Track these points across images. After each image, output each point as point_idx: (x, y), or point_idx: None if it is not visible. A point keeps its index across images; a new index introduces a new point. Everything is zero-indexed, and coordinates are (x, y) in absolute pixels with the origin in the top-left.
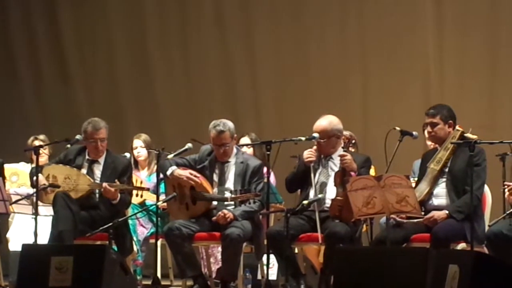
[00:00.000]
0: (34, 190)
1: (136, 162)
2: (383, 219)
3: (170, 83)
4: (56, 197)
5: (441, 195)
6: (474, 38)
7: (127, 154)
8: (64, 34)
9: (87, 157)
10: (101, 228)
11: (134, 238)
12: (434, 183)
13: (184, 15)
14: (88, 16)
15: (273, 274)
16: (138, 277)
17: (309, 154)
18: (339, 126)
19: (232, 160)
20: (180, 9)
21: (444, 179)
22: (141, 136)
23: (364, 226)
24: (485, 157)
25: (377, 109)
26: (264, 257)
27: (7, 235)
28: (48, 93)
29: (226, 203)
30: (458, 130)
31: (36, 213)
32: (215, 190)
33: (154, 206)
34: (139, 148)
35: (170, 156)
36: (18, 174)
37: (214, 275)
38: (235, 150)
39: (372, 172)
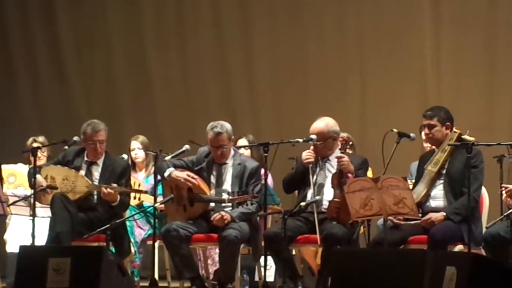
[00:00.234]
0: (32, 191)
1: (134, 164)
2: (381, 221)
3: (167, 85)
4: (54, 198)
5: (438, 197)
6: (472, 39)
7: (125, 156)
8: (62, 35)
9: (85, 158)
10: (98, 229)
11: (132, 240)
12: (431, 185)
13: (181, 16)
14: (85, 17)
15: (270, 276)
16: (136, 279)
17: (307, 155)
18: (336, 128)
19: (230, 161)
20: (177, 10)
21: (442, 181)
22: (138, 137)
23: (362, 227)
24: (482, 159)
25: (374, 110)
26: (262, 258)
27: (4, 237)
28: (45, 94)
29: (223, 204)
30: (455, 132)
31: (33, 215)
32: (213, 191)
33: (151, 207)
34: (137, 149)
35: (167, 158)
36: (15, 175)
37: (211, 276)
38: (232, 152)
39: (369, 174)
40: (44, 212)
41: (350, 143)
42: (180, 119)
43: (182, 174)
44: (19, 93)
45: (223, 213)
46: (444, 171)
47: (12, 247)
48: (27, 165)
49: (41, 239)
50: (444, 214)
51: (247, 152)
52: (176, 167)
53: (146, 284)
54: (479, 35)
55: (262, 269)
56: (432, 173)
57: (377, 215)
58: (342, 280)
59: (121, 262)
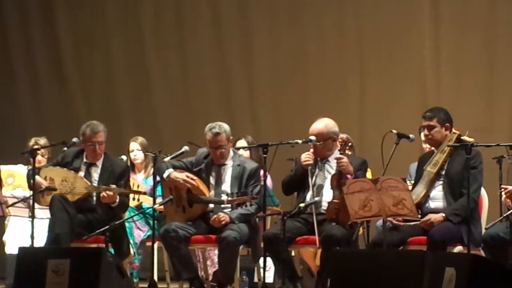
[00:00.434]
0: (31, 192)
1: (133, 165)
2: (380, 222)
3: (167, 86)
4: (53, 200)
5: (437, 198)
6: (472, 39)
7: (124, 157)
8: (61, 35)
9: (84, 160)
10: (98, 231)
11: (131, 241)
12: (430, 186)
13: (180, 16)
14: (85, 18)
15: (269, 277)
16: (135, 280)
17: (306, 157)
18: (335, 128)
19: (229, 162)
20: (177, 10)
21: (441, 182)
22: (137, 139)
23: (361, 229)
24: (481, 160)
25: (374, 111)
26: (261, 260)
27: (3, 238)
28: (45, 95)
29: (222, 206)
30: (454, 133)
31: (33, 216)
32: (212, 192)
33: (150, 209)
34: (136, 151)
35: (166, 159)
36: (14, 176)
37: (210, 278)
38: (231, 153)
39: (368, 175)
40: (43, 214)
41: (350, 144)
42: (180, 120)
43: (181, 175)
44: (18, 94)
45: (221, 214)
46: (443, 172)
47: (11, 249)
48: (27, 166)
49: (40, 241)
50: (444, 215)
51: (246, 153)
52: (175, 168)
53: (145, 285)
54: (478, 35)
55: (262, 270)
56: (432, 174)
57: (376, 216)
58: (342, 281)
59: (120, 263)
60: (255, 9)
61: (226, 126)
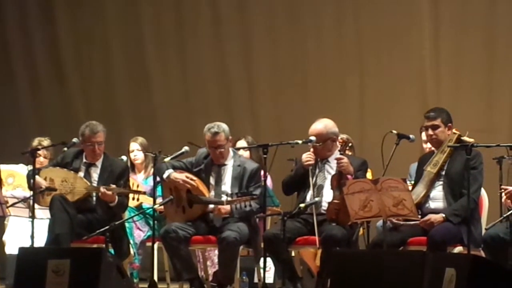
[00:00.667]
0: (31, 193)
1: (133, 165)
2: (380, 222)
3: (166, 86)
4: (53, 200)
5: (437, 198)
6: (471, 39)
7: (124, 157)
8: (61, 35)
9: (84, 160)
10: (98, 231)
11: (131, 241)
12: (430, 186)
13: (180, 16)
14: (84, 18)
15: (269, 278)
16: (135, 280)
17: (307, 157)
18: (335, 129)
19: (229, 163)
20: (176, 10)
21: (441, 182)
22: (137, 139)
23: (361, 229)
24: (482, 160)
25: (374, 112)
26: (261, 260)
27: (3, 238)
28: (44, 95)
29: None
30: (455, 133)
31: (33, 216)
32: (212, 193)
33: (150, 209)
34: (136, 151)
35: (166, 159)
36: (14, 176)
37: (210, 278)
38: (231, 153)
39: (368, 175)
40: (43, 214)
41: (350, 144)
42: (179, 121)
43: (181, 176)
44: (18, 94)
45: (222, 208)
46: (443, 172)
47: (11, 249)
48: (28, 166)
49: (40, 241)
50: (444, 215)
51: (246, 154)
52: (175, 168)
53: (145, 285)
54: (478, 36)
55: (262, 270)
56: (432, 174)
57: (377, 216)
58: (342, 281)
59: (120, 263)
60: (254, 9)
61: (224, 126)
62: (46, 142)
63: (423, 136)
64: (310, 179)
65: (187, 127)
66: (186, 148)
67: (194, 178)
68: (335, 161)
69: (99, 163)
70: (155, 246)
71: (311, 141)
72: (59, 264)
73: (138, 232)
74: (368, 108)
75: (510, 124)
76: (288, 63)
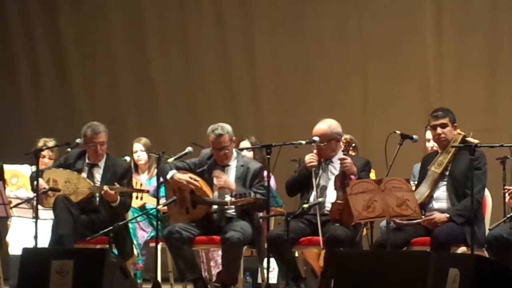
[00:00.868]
0: (35, 194)
1: (136, 166)
2: (384, 223)
3: (170, 87)
4: (57, 200)
5: (441, 199)
6: (474, 41)
7: (127, 158)
8: (64, 37)
9: (87, 161)
10: (101, 231)
11: (135, 242)
12: (434, 186)
13: (183, 16)
14: (87, 19)
15: (273, 278)
16: (139, 281)
17: (311, 158)
18: (338, 129)
19: (233, 163)
20: (179, 11)
21: (445, 183)
22: (141, 139)
23: (365, 229)
24: (485, 161)
25: (377, 112)
26: (264, 260)
27: (6, 238)
28: (47, 96)
29: (226, 207)
30: (460, 133)
31: (36, 217)
32: (215, 193)
33: (154, 209)
34: (139, 151)
35: (170, 160)
36: (18, 176)
37: (214, 278)
38: (235, 154)
39: (372, 175)
40: (46, 214)
41: (353, 145)
42: (183, 121)
43: (184, 177)
44: (21, 95)
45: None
46: (447, 173)
47: (14, 249)
48: (32, 167)
49: (43, 241)
50: (448, 215)
51: (249, 154)
52: (178, 169)
53: (149, 286)
54: (481, 36)
55: (265, 271)
56: (436, 174)
57: (380, 217)
58: (345, 282)
59: (124, 264)
60: (257, 10)
61: (228, 127)
62: (51, 143)
63: (428, 135)
64: (313, 180)
65: (190, 127)
66: (189, 148)
67: (198, 178)
68: (339, 162)
69: (101, 163)
70: (159, 246)
71: (314, 141)
72: (62, 265)
73: (142, 232)
74: (371, 109)
75: None
76: (291, 63)
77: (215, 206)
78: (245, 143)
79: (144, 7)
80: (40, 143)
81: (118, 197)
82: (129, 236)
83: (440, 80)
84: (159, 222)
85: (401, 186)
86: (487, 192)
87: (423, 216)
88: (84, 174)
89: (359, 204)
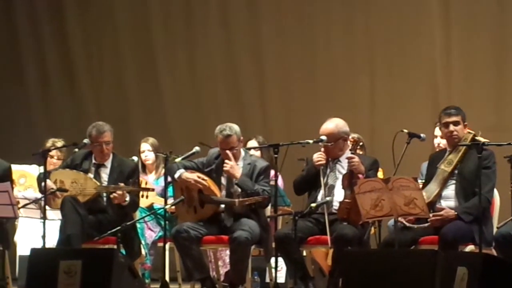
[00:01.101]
0: (42, 194)
1: (144, 166)
2: (391, 222)
3: (176, 86)
4: (64, 201)
5: (449, 197)
6: (481, 40)
7: (135, 158)
8: (71, 37)
9: (93, 161)
10: (109, 231)
11: (142, 242)
12: (444, 185)
13: (189, 17)
14: (94, 20)
15: (281, 277)
16: (147, 281)
17: (319, 157)
18: (346, 128)
19: (240, 163)
20: (185, 11)
21: (454, 181)
22: (148, 139)
23: (372, 228)
24: (495, 160)
25: (384, 111)
26: (272, 260)
27: (15, 239)
28: (55, 97)
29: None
30: (470, 133)
31: (44, 217)
32: (223, 193)
33: (162, 209)
34: (147, 151)
35: (177, 160)
36: (26, 176)
37: (222, 278)
38: (242, 153)
39: (380, 174)
40: (54, 215)
41: (361, 143)
42: (190, 121)
43: (192, 176)
44: (29, 96)
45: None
46: (456, 171)
47: (22, 250)
48: (41, 167)
49: (50, 241)
50: (456, 213)
51: (257, 154)
52: (186, 168)
53: (157, 286)
54: (488, 37)
55: (273, 270)
56: (446, 172)
57: (388, 215)
58: (353, 281)
59: (132, 264)
60: (264, 10)
61: (236, 127)
62: (60, 143)
63: (436, 131)
64: (321, 178)
65: (197, 127)
66: (197, 148)
67: (206, 178)
68: (346, 161)
69: (108, 163)
70: (167, 246)
71: (322, 140)
72: (71, 265)
73: (150, 232)
74: (378, 108)
75: None
76: (298, 63)
77: (223, 206)
78: (252, 143)
79: (151, 8)
80: (49, 144)
81: (128, 197)
82: (137, 236)
83: (447, 80)
84: (167, 222)
85: (409, 185)
86: (495, 191)
87: (431, 215)
88: (91, 175)
89: (366, 203)
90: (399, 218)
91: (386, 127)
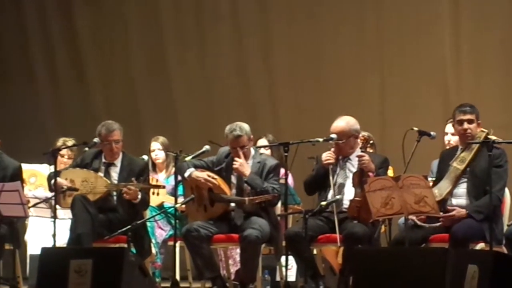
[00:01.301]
0: (53, 193)
1: (154, 165)
2: (402, 220)
3: (187, 85)
4: (74, 200)
5: (460, 195)
6: (491, 38)
7: (145, 157)
8: (81, 35)
9: (103, 160)
10: (119, 230)
11: (153, 241)
12: (456, 183)
13: (200, 15)
14: (104, 17)
15: (291, 276)
16: (157, 280)
17: (327, 156)
18: (356, 126)
19: (250, 161)
20: (196, 9)
21: (465, 179)
22: (158, 138)
23: (383, 226)
24: (507, 159)
25: (394, 109)
26: (283, 258)
27: (25, 238)
28: (65, 95)
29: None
30: (483, 131)
31: (54, 216)
32: (233, 191)
33: (172, 208)
34: (157, 150)
35: (188, 158)
36: (36, 175)
37: (233, 277)
38: (252, 152)
39: (390, 172)
40: (64, 214)
41: (371, 142)
42: (200, 120)
43: (202, 175)
44: (39, 94)
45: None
46: (468, 169)
47: (32, 249)
48: (51, 166)
49: (61, 239)
50: (467, 212)
51: (267, 152)
52: (196, 167)
53: (168, 284)
54: (498, 34)
55: (284, 268)
56: (458, 170)
57: (398, 214)
58: (364, 279)
59: (142, 263)
60: (274, 8)
61: (246, 127)
62: (70, 142)
63: (447, 128)
64: (331, 178)
65: (207, 126)
66: (207, 147)
67: (216, 176)
68: (357, 159)
69: (118, 162)
70: (177, 245)
71: (332, 139)
72: (81, 264)
73: (160, 231)
74: (388, 106)
75: None
76: (308, 61)
77: (233, 204)
78: (262, 141)
79: (161, 6)
80: (59, 143)
81: (139, 194)
82: (147, 234)
83: (457, 78)
84: (177, 221)
85: (419, 183)
86: (505, 189)
87: (441, 213)
88: (101, 174)
89: (377, 201)
90: (411, 216)
91: (396, 125)
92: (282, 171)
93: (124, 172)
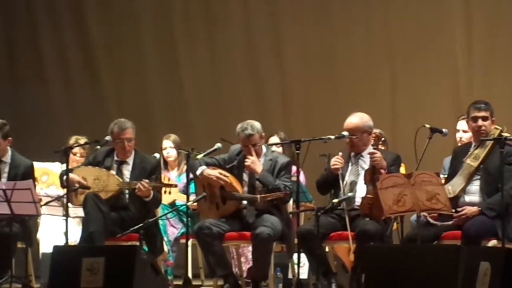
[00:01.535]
0: (65, 191)
1: (166, 163)
2: (414, 217)
3: (198, 83)
4: (87, 198)
5: (473, 192)
6: (503, 35)
7: (157, 155)
8: (93, 35)
9: (115, 158)
10: (132, 228)
11: (165, 239)
12: (470, 179)
13: (211, 14)
14: (116, 17)
15: (304, 273)
16: (169, 278)
17: (335, 161)
18: (370, 122)
19: (262, 159)
20: (206, 9)
21: (478, 176)
22: (170, 136)
23: (395, 224)
24: None
25: (406, 107)
26: (295, 256)
27: (37, 236)
28: (77, 94)
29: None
30: (497, 128)
31: (66, 215)
32: (245, 189)
33: (184, 206)
34: (169, 148)
35: (199, 156)
36: (48, 174)
37: (245, 274)
38: (264, 149)
39: (402, 170)
40: (76, 212)
41: (383, 139)
42: (212, 118)
43: (214, 172)
44: (51, 93)
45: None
46: (481, 166)
47: (44, 247)
48: (63, 164)
49: (72, 237)
50: (479, 209)
51: (279, 150)
52: (208, 165)
53: (180, 282)
54: (509, 31)
55: (296, 266)
56: (472, 167)
57: (410, 211)
58: (376, 276)
59: (155, 261)
60: (284, 7)
61: (257, 125)
62: (82, 140)
63: (459, 125)
64: (340, 182)
65: (219, 123)
66: (218, 144)
67: (227, 174)
68: (368, 156)
69: (130, 160)
70: (189, 243)
71: (344, 136)
72: (93, 262)
73: (172, 229)
74: (400, 103)
75: None
76: (318, 59)
77: (245, 202)
78: (274, 139)
79: (172, 6)
80: (72, 141)
81: (152, 192)
82: (159, 232)
83: (469, 75)
84: (189, 219)
85: (431, 180)
86: None
87: (453, 210)
88: (113, 172)
89: (389, 199)
90: (423, 214)
91: (408, 122)
92: (294, 168)
93: (136, 170)
